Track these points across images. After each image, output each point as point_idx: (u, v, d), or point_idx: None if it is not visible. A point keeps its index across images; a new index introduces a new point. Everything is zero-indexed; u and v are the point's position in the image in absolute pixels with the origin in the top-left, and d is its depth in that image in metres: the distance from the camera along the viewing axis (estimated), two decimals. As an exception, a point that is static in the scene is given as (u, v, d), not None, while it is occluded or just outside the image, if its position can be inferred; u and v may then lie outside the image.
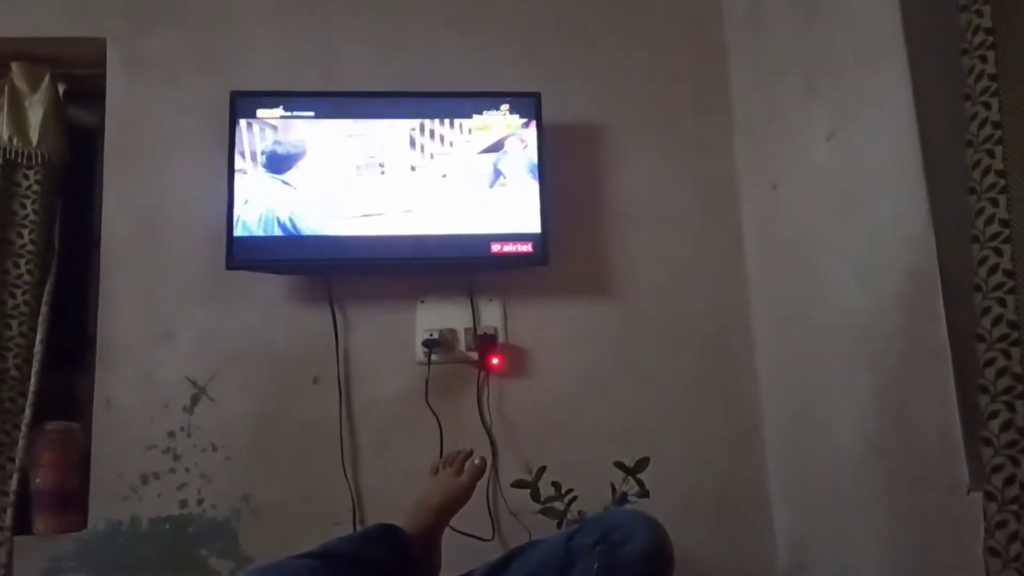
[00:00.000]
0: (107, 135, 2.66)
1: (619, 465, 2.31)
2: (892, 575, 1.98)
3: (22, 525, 2.42)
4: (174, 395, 2.55)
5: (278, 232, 2.46)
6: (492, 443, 2.59)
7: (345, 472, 2.52)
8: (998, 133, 1.59)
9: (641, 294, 2.73)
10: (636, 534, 1.40)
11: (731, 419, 2.67)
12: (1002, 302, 1.55)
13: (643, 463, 2.30)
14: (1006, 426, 1.53)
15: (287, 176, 2.51)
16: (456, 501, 1.64)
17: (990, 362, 1.56)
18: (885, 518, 2.01)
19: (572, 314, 2.69)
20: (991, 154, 1.59)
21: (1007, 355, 1.54)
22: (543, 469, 2.36)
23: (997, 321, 1.56)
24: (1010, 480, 1.52)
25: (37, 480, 2.43)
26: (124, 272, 2.60)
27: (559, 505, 2.30)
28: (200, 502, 2.50)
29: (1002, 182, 1.58)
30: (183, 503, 2.49)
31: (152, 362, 2.56)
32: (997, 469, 1.54)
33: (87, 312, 2.64)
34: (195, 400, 2.55)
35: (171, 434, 2.53)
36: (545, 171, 2.60)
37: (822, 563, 2.36)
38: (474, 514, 2.50)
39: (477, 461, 1.65)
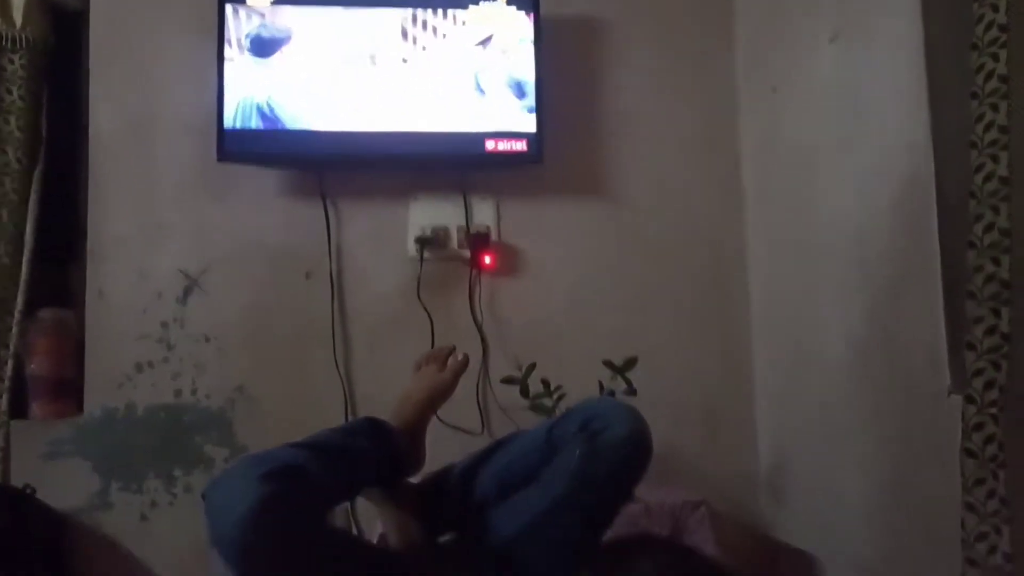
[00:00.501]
0: (92, 19, 2.60)
1: (608, 364, 2.34)
2: (870, 479, 2.04)
3: (19, 411, 2.45)
4: (167, 287, 2.56)
5: (258, 123, 2.43)
6: (483, 341, 2.62)
7: (337, 366, 2.55)
8: (1004, 36, 1.56)
9: (637, 196, 2.71)
10: (616, 422, 1.44)
11: (722, 323, 2.69)
12: (996, 209, 1.54)
13: (631, 362, 2.34)
14: (990, 331, 1.55)
15: (272, 61, 2.46)
16: (439, 396, 1.67)
17: (979, 268, 1.57)
18: (867, 423, 2.06)
19: (566, 214, 2.69)
20: (995, 58, 1.56)
21: (996, 262, 1.55)
22: (532, 367, 2.39)
23: (989, 228, 1.56)
24: (990, 384, 1.55)
25: (32, 366, 2.46)
26: (114, 163, 2.57)
27: (548, 402, 2.34)
28: (194, 392, 2.54)
29: (1004, 87, 1.56)
30: (177, 392, 2.53)
31: (144, 254, 2.56)
32: (978, 373, 1.56)
33: (77, 203, 2.62)
34: (188, 292, 2.56)
35: (164, 325, 2.54)
36: (542, 67, 2.55)
37: (803, 467, 2.42)
38: (465, 409, 2.56)
39: (460, 357, 1.67)
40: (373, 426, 1.58)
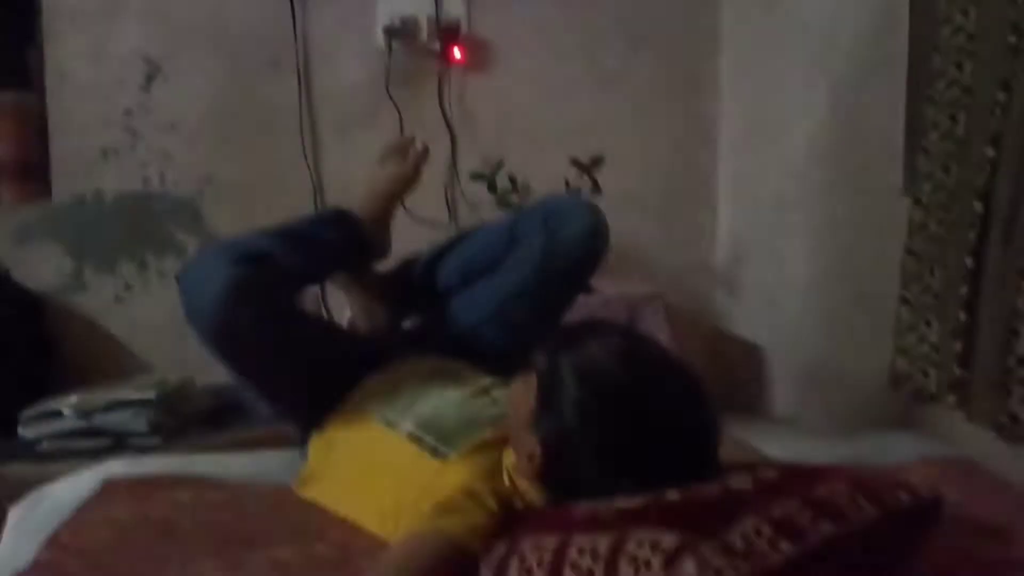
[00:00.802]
0: None
1: (575, 162, 2.38)
2: (819, 271, 2.14)
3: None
4: (129, 72, 2.50)
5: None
6: (452, 136, 2.62)
7: (305, 157, 2.56)
8: None
9: (608, -14, 2.64)
10: (575, 219, 1.49)
11: (688, 121, 2.71)
12: (964, 12, 1.54)
13: (599, 161, 2.37)
14: (945, 136, 1.59)
15: None
16: (402, 186, 1.69)
17: (942, 73, 1.58)
18: (820, 220, 2.13)
19: (538, 8, 2.62)
20: None
21: (959, 67, 1.56)
22: (500, 164, 2.42)
23: (956, 31, 1.56)
24: (939, 187, 1.60)
25: (-3, 149, 2.45)
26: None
27: (514, 198, 2.39)
28: (163, 180, 2.54)
29: None
30: (146, 180, 2.54)
31: (103, 34, 2.48)
32: (929, 176, 1.61)
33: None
34: (151, 78, 2.51)
35: (128, 111, 2.51)
36: None
37: (758, 260, 2.52)
38: (433, 205, 2.60)
39: (420, 147, 1.68)
40: (339, 216, 1.62)
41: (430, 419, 1.28)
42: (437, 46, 2.58)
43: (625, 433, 1.01)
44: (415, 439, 1.26)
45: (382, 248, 1.67)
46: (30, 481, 1.82)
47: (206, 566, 1.14)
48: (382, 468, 1.27)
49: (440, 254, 1.68)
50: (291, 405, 1.46)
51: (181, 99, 2.52)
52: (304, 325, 1.47)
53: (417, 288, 1.68)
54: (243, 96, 2.54)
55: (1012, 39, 1.39)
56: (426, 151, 1.69)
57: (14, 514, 1.46)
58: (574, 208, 1.54)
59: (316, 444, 1.40)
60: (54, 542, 1.22)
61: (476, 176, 2.44)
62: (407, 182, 1.69)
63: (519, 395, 1.12)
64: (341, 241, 1.57)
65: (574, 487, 1.03)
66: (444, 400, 1.32)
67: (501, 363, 1.39)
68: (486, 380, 1.39)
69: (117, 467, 1.54)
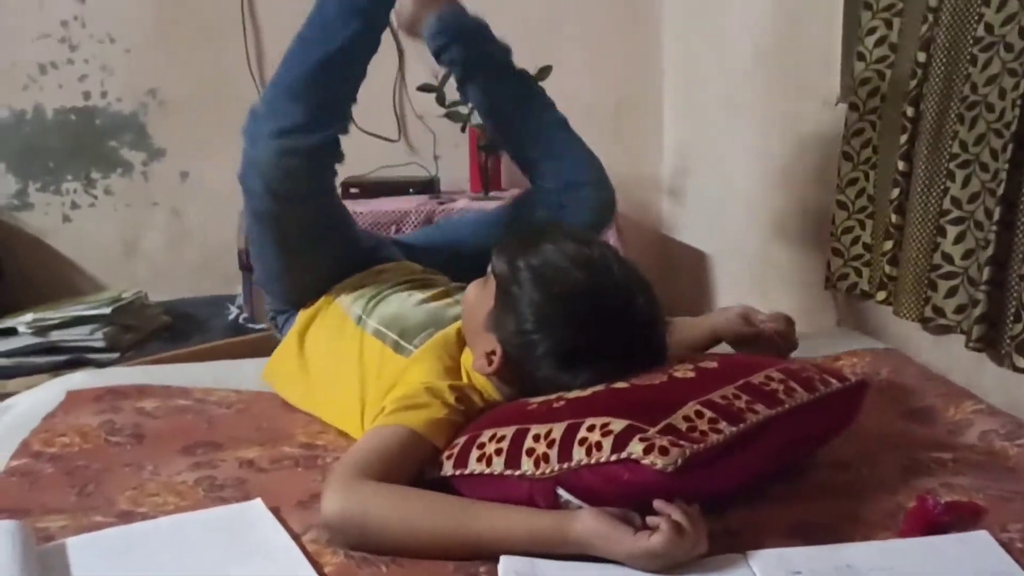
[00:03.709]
0: None
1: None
2: (761, 178, 2.20)
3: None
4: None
5: None
6: (399, 48, 2.60)
7: (250, 67, 2.52)
8: None
9: None
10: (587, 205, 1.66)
11: (631, 29, 2.71)
12: (901, -82, 1.58)
13: (545, 71, 2.37)
14: (880, 42, 1.64)
15: None
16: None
17: (878, -20, 1.62)
18: (763, 128, 2.18)
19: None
20: None
21: (895, -27, 1.61)
22: (449, 74, 2.41)
23: (894, -61, 1.60)
24: (874, 92, 1.66)
25: (-72, 65, 2.37)
26: None
27: (463, 110, 2.39)
28: (104, 95, 2.50)
29: None
30: (86, 95, 2.49)
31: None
32: (865, 82, 1.67)
33: None
34: (86, -13, 2.44)
35: (64, 23, 2.44)
36: None
37: (703, 169, 2.58)
38: (381, 117, 2.59)
39: None
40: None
41: (393, 317, 1.33)
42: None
43: (581, 332, 1.07)
44: (379, 334, 1.31)
45: None
46: (-11, 397, 1.84)
47: (177, 466, 1.19)
48: (348, 362, 1.31)
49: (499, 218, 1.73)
50: (292, 278, 1.49)
51: (118, 9, 2.45)
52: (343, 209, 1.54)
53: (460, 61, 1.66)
54: (183, 5, 2.48)
55: (944, -54, 1.43)
56: None
57: (-24, 426, 1.48)
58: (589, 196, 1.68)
59: (290, 332, 1.44)
60: (25, 449, 1.25)
61: (425, 88, 2.43)
62: None
63: (477, 296, 1.17)
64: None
65: (531, 383, 1.10)
66: (408, 300, 1.37)
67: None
68: (451, 284, 1.45)
69: (78, 379, 1.56)
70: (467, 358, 1.21)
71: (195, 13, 2.49)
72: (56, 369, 1.95)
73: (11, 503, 1.08)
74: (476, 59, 1.64)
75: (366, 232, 1.70)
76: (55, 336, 2.04)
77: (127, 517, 1.05)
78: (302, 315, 1.44)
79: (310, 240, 1.44)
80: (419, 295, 1.38)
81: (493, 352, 1.12)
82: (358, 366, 1.30)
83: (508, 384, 1.14)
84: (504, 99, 1.68)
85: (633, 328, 1.09)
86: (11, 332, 2.06)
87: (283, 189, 1.39)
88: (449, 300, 1.37)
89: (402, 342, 1.28)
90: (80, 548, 0.95)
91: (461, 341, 1.24)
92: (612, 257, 1.14)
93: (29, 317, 2.06)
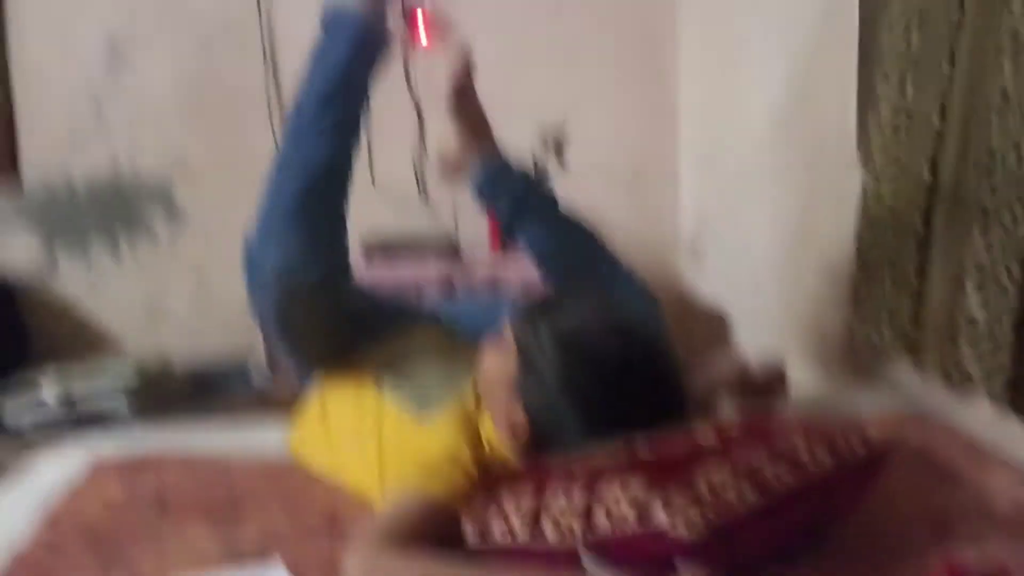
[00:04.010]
0: None
1: (541, 144, 2.42)
2: (781, 239, 2.21)
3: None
4: (94, 57, 2.50)
5: None
6: (419, 113, 2.65)
7: (275, 137, 2.58)
8: None
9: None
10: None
11: (649, 97, 2.76)
12: (912, -11, 1.60)
13: (564, 144, 2.42)
14: (895, 107, 1.65)
15: None
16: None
17: (891, 46, 1.64)
18: (781, 189, 2.20)
19: (499, -17, 2.65)
20: None
21: (907, 41, 1.62)
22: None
23: (904, 6, 1.62)
24: (890, 155, 1.67)
25: (-36, 137, 2.44)
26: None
27: (482, 174, 2.43)
28: (133, 164, 2.55)
29: None
30: (116, 165, 2.55)
31: (68, 22, 2.48)
32: (880, 146, 1.68)
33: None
34: (116, 63, 2.51)
35: (95, 97, 2.51)
36: None
37: (721, 228, 2.59)
38: (401, 177, 2.64)
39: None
40: (332, 21, 1.55)
41: (413, 385, 1.33)
42: (401, 26, 2.60)
43: (607, 394, 1.08)
44: (399, 402, 1.31)
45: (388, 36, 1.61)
46: (15, 463, 1.85)
47: (200, 537, 1.19)
48: (368, 430, 1.31)
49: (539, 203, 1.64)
50: (308, 362, 1.48)
51: (147, 82, 2.53)
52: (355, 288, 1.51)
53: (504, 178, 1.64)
54: (211, 79, 2.55)
55: (955, 16, 1.45)
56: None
57: (2, 493, 1.49)
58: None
59: (314, 397, 1.44)
60: (51, 522, 1.25)
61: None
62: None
63: (495, 363, 1.18)
64: (349, 43, 1.52)
65: (558, 448, 1.10)
66: (427, 367, 1.37)
67: None
68: (471, 350, 1.44)
69: (102, 445, 1.57)
70: (487, 426, 1.22)
71: (221, 86, 2.56)
72: (80, 434, 1.96)
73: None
74: (523, 212, 1.60)
75: (387, 298, 1.69)
76: (80, 401, 2.06)
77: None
78: (325, 385, 1.45)
79: (325, 335, 1.43)
80: (440, 362, 1.39)
81: (519, 420, 1.12)
82: (378, 434, 1.30)
83: (533, 449, 1.14)
84: (551, 251, 1.62)
85: (657, 386, 1.09)
86: (38, 399, 2.08)
87: (292, 315, 1.38)
88: (467, 367, 1.37)
89: (422, 410, 1.28)
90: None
91: (480, 407, 1.24)
92: (630, 317, 1.15)
93: (55, 384, 2.08)
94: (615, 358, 1.09)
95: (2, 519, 1.44)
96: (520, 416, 1.12)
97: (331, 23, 1.54)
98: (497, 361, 1.18)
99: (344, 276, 1.44)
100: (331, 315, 1.42)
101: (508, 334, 1.17)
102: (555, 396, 1.09)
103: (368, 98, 1.55)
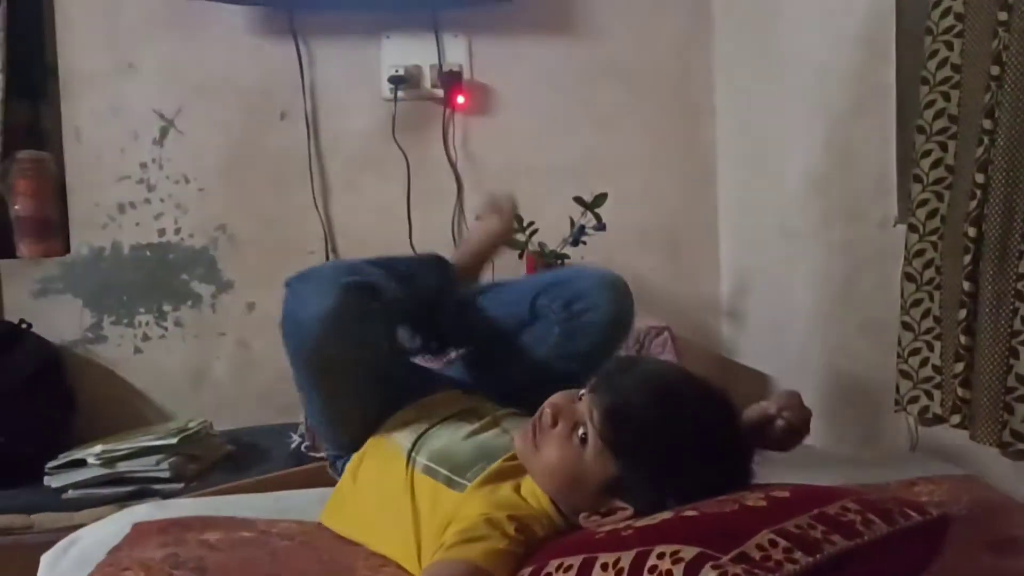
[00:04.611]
0: None
1: (578, 200, 2.43)
2: (822, 299, 2.19)
3: (7, 251, 2.52)
4: (142, 127, 2.58)
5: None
6: (457, 179, 2.69)
7: (316, 205, 2.63)
8: None
9: (607, 35, 2.72)
10: (599, 305, 1.48)
11: (687, 159, 2.77)
12: (949, 45, 1.60)
13: (601, 198, 2.43)
14: (936, 164, 1.65)
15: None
16: (496, 240, 1.74)
17: (930, 104, 1.64)
18: (821, 250, 2.19)
19: (538, 53, 2.70)
20: None
21: (947, 97, 1.62)
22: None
23: (942, 64, 1.62)
24: (933, 213, 1.66)
25: (16, 207, 2.51)
26: (80, -3, 2.54)
27: (521, 237, 2.44)
28: (177, 231, 2.61)
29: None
30: (161, 232, 2.60)
31: (117, 93, 2.56)
32: (923, 204, 1.67)
33: (44, 40, 2.59)
34: (164, 132, 2.59)
35: (143, 165, 2.58)
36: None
37: (762, 290, 2.57)
38: (441, 247, 2.64)
39: (508, 202, 1.73)
40: (441, 264, 1.65)
41: (442, 452, 1.31)
42: (440, 93, 2.66)
43: (702, 471, 1.08)
44: (430, 471, 1.29)
45: None
46: (58, 529, 1.87)
47: (240, 602, 1.18)
48: (400, 499, 1.30)
49: (460, 307, 1.65)
50: (344, 426, 1.49)
51: (193, 151, 2.60)
52: (388, 356, 1.50)
53: (446, 328, 1.67)
54: (254, 147, 2.61)
55: (995, 70, 1.45)
56: (512, 203, 1.75)
57: (46, 561, 1.50)
58: (598, 293, 1.51)
59: (344, 473, 1.44)
60: (91, 584, 1.25)
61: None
62: (500, 237, 1.74)
63: (572, 455, 1.13)
64: (439, 285, 1.59)
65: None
66: (457, 433, 1.35)
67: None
68: (496, 411, 1.43)
69: (144, 511, 1.57)
70: (528, 485, 1.20)
71: (264, 154, 2.62)
72: (123, 500, 1.97)
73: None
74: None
75: (415, 366, 1.68)
76: (122, 467, 2.07)
77: (190, 657, 1.04)
78: (355, 456, 1.44)
79: (355, 392, 1.44)
80: (467, 427, 1.37)
81: (611, 511, 1.11)
82: (411, 503, 1.28)
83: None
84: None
85: (733, 454, 1.11)
86: (81, 463, 2.09)
87: (326, 363, 1.40)
88: (498, 430, 1.36)
89: (454, 477, 1.26)
90: None
91: (515, 472, 1.23)
92: (698, 378, 1.15)
93: (98, 448, 2.10)
94: (715, 436, 1.10)
95: (44, 584, 1.45)
96: (625, 510, 1.10)
97: (439, 262, 1.67)
98: (572, 451, 1.13)
99: (380, 325, 1.44)
100: (365, 369, 1.42)
101: (589, 427, 1.12)
102: (665, 493, 1.07)
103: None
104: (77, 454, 2.11)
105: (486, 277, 1.87)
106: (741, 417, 1.16)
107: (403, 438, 1.38)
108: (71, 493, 2.06)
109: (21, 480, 2.12)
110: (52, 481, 2.09)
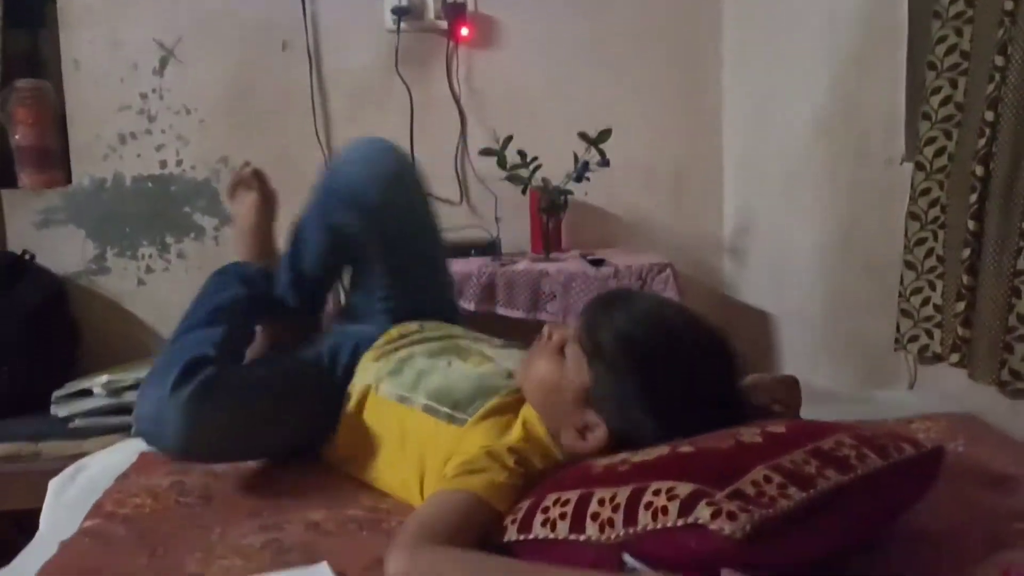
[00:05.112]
0: None
1: (583, 136, 2.41)
2: (825, 239, 2.18)
3: (8, 181, 2.51)
4: (142, 57, 2.54)
5: None
6: (461, 113, 2.66)
7: (318, 138, 2.60)
8: None
9: (615, -35, 2.67)
10: (353, 161, 1.51)
11: (693, 99, 2.74)
12: (963, -22, 1.57)
13: (605, 134, 2.40)
14: (945, 101, 1.63)
15: None
16: (260, 209, 1.66)
17: (942, 39, 1.62)
18: (825, 190, 2.17)
19: (544, -17, 2.65)
20: None
21: (959, 33, 1.60)
22: (510, 138, 2.45)
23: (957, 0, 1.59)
24: (940, 152, 1.64)
25: (16, 137, 2.49)
26: (76, -77, 2.49)
27: (524, 172, 2.43)
28: (179, 163, 2.59)
29: None
30: (163, 163, 2.59)
31: (116, 22, 2.52)
32: (930, 141, 1.65)
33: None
34: (164, 63, 2.55)
35: (143, 96, 2.56)
36: None
37: (764, 229, 2.57)
38: (444, 181, 2.65)
39: (248, 170, 1.67)
40: (227, 270, 1.58)
41: (440, 390, 1.31)
42: (444, 25, 2.62)
43: (680, 396, 1.08)
44: (430, 410, 1.29)
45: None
46: (65, 456, 1.89)
47: (244, 529, 1.20)
48: (403, 441, 1.30)
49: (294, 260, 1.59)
50: (300, 436, 1.43)
51: (194, 83, 2.56)
52: (260, 388, 1.38)
53: (307, 299, 1.60)
54: (255, 79, 2.58)
55: (1009, 4, 1.42)
56: (250, 169, 1.68)
57: (53, 487, 1.52)
58: (349, 156, 1.53)
59: (341, 430, 1.39)
60: (98, 510, 1.28)
61: (486, 152, 2.47)
62: (264, 203, 1.67)
63: (558, 369, 1.16)
64: (247, 289, 1.52)
65: (629, 448, 1.08)
66: (451, 371, 1.34)
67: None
68: (487, 348, 1.42)
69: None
70: (528, 413, 1.21)
71: (265, 85, 2.59)
72: (129, 429, 2.00)
73: (85, 564, 1.11)
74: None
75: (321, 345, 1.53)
76: (128, 397, 2.09)
77: (196, 580, 1.06)
78: (345, 417, 1.39)
79: (265, 438, 1.38)
80: (460, 364, 1.36)
81: (587, 427, 1.13)
82: (414, 443, 1.28)
83: (602, 452, 1.12)
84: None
85: (720, 386, 1.11)
86: (87, 393, 2.12)
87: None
88: (491, 366, 1.35)
89: (455, 413, 1.27)
90: (151, 610, 0.97)
91: (515, 407, 1.24)
92: (682, 314, 1.15)
93: (104, 379, 2.12)
94: (701, 362, 1.10)
95: (52, 509, 1.48)
96: (596, 424, 1.12)
97: (222, 271, 1.58)
98: (557, 365, 1.17)
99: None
100: (251, 421, 1.34)
101: (572, 338, 1.16)
102: (642, 408, 1.08)
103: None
104: (83, 384, 2.14)
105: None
106: (738, 358, 1.14)
107: (391, 387, 1.36)
108: (77, 422, 2.09)
109: (28, 409, 2.15)
110: (58, 410, 2.12)
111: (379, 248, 1.52)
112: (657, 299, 1.22)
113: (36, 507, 1.51)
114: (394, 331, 1.47)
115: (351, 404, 1.38)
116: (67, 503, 1.43)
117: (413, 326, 1.49)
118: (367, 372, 1.40)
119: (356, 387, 1.40)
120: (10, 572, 1.18)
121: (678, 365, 1.09)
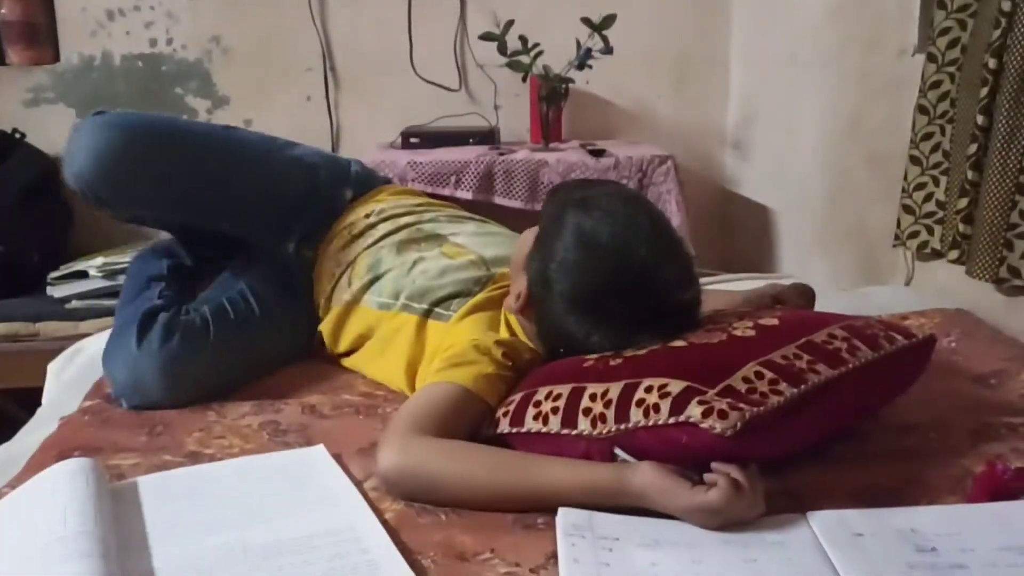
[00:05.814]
0: None
1: (586, 21, 2.34)
2: (829, 131, 2.14)
3: (-5, 58, 2.45)
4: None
5: None
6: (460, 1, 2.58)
7: (313, 19, 2.52)
8: None
9: None
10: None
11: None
12: None
13: (610, 19, 2.33)
14: (963, -10, 1.57)
15: None
16: None
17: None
18: (832, 80, 2.12)
19: None
20: None
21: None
22: (511, 23, 2.38)
23: None
24: (954, 43, 1.59)
25: (3, 11, 2.40)
26: None
27: (525, 59, 2.36)
28: (170, 42, 2.52)
29: None
30: (152, 42, 2.51)
31: None
32: (944, 32, 1.60)
33: None
34: (153, -64, 2.46)
35: (132, -29, 2.47)
36: None
37: (768, 121, 2.52)
38: (442, 66, 2.58)
39: None
40: (148, 251, 1.58)
41: (420, 290, 1.29)
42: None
43: (595, 283, 1.06)
44: (412, 310, 1.28)
45: None
46: (63, 337, 1.91)
47: (242, 410, 1.22)
48: (388, 342, 1.29)
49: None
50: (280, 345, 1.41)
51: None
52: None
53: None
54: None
55: None
56: None
57: (52, 369, 1.54)
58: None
59: (327, 340, 1.39)
60: (98, 390, 1.29)
61: (486, 37, 2.40)
62: None
63: (525, 241, 1.17)
64: (171, 259, 1.52)
65: (544, 325, 1.11)
66: (428, 268, 1.32)
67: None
68: (461, 236, 1.40)
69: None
70: (506, 302, 1.21)
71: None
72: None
73: (84, 441, 1.12)
74: None
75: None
76: (122, 279, 2.09)
77: (195, 458, 1.08)
78: (326, 321, 1.39)
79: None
80: (434, 258, 1.34)
81: (522, 291, 1.13)
82: (400, 342, 1.27)
83: (540, 332, 1.13)
84: None
85: (651, 295, 1.05)
86: (83, 275, 2.11)
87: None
88: (470, 258, 1.33)
89: (439, 310, 1.26)
90: (151, 486, 0.99)
91: (499, 300, 1.23)
92: (653, 223, 1.10)
93: (99, 260, 2.11)
94: (618, 255, 1.05)
95: (51, 388, 1.50)
96: (523, 290, 1.12)
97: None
98: (528, 237, 1.17)
99: None
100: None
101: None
102: (551, 271, 1.08)
103: None
104: (78, 265, 2.13)
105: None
106: (685, 267, 1.09)
107: (370, 296, 1.34)
108: (74, 303, 2.10)
109: (24, 289, 2.16)
110: (55, 291, 2.12)
111: (187, 216, 1.47)
112: (632, 196, 1.19)
113: (36, 385, 1.53)
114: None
115: (331, 317, 1.37)
116: (67, 383, 1.44)
117: (361, 212, 1.45)
118: (337, 270, 1.39)
119: (334, 295, 1.38)
120: (12, 446, 1.20)
121: (602, 250, 1.06)
